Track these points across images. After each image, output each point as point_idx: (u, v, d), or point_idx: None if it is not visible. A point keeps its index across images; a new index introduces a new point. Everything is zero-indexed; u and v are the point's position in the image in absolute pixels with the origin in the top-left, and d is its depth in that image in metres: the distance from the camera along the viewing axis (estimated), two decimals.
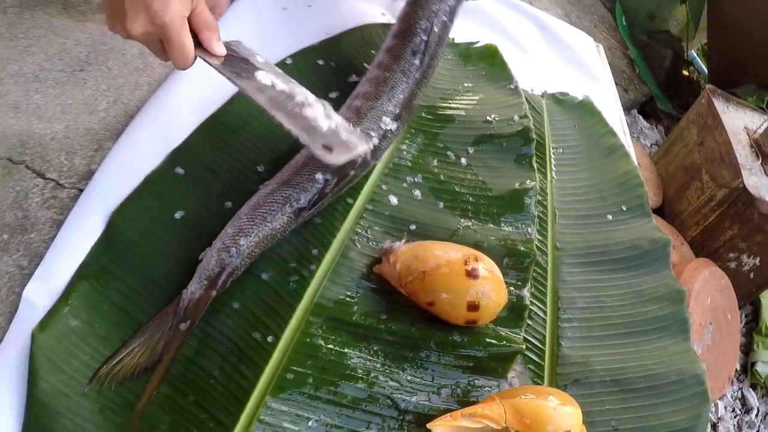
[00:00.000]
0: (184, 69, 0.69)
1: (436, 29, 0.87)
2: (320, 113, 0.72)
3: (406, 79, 0.84)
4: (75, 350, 0.66)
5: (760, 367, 1.34)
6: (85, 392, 0.65)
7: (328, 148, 0.68)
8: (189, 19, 0.66)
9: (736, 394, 1.33)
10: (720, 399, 1.24)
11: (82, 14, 0.99)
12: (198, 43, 0.69)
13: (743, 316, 1.45)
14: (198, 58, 0.69)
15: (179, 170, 0.80)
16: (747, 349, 1.40)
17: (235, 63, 0.72)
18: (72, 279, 0.70)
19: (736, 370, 1.35)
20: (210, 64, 0.70)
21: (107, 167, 0.81)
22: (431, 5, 0.88)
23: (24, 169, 0.82)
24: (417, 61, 0.85)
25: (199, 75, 0.91)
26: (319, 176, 0.75)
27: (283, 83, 0.73)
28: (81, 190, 0.80)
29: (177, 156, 0.81)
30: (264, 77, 0.72)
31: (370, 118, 0.80)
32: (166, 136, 0.83)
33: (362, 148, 0.72)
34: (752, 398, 1.33)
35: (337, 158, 0.69)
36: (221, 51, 0.69)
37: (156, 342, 0.66)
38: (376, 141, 0.80)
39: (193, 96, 0.89)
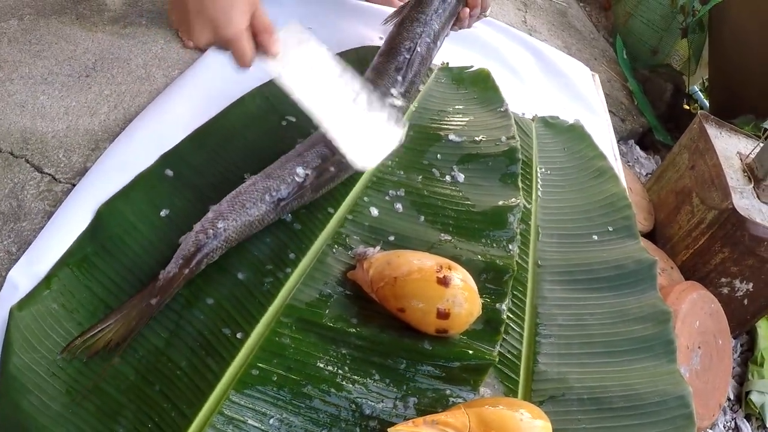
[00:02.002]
0: (245, 69, 0.78)
1: (419, 49, 0.92)
2: (362, 107, 0.79)
3: (389, 94, 0.88)
4: (50, 332, 0.68)
5: (754, 397, 1.29)
6: (59, 358, 0.66)
7: (362, 156, 0.76)
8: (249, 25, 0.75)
9: (729, 424, 1.29)
10: (711, 428, 1.21)
11: (94, 25, 1.04)
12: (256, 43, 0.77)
13: (739, 345, 1.41)
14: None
15: (169, 172, 0.83)
16: (743, 380, 1.37)
17: (290, 60, 0.79)
18: (55, 265, 0.73)
19: (730, 399, 1.32)
20: (268, 69, 0.78)
21: (101, 164, 0.84)
22: (416, 27, 0.94)
23: (23, 163, 0.85)
24: (400, 78, 0.89)
25: (196, 85, 0.96)
26: (300, 170, 0.77)
27: (333, 74, 0.79)
28: (75, 185, 0.83)
29: (168, 158, 0.84)
30: (314, 73, 0.78)
31: None
32: (159, 140, 0.87)
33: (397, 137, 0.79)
34: (746, 429, 1.28)
35: (369, 164, 0.77)
36: (278, 51, 0.77)
37: (130, 320, 0.68)
38: None
39: (190, 105, 0.93)
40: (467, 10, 1.01)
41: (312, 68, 0.78)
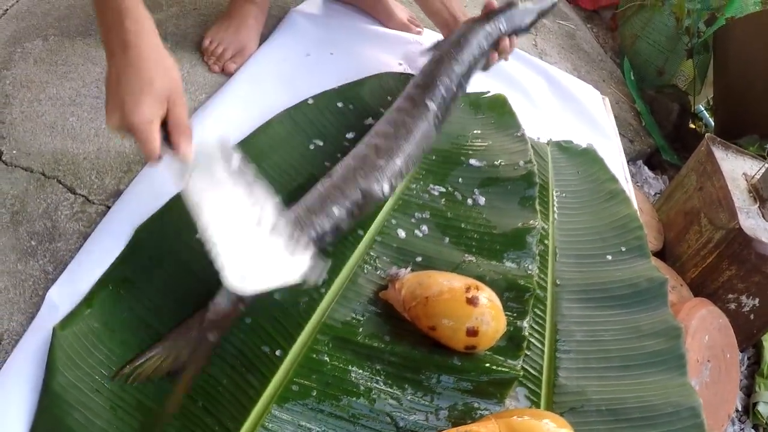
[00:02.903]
0: (152, 165, 0.72)
1: (453, 87, 0.97)
2: (264, 235, 0.71)
3: (421, 125, 0.92)
4: (92, 350, 0.70)
5: (762, 408, 1.34)
6: (107, 386, 0.68)
7: (243, 280, 0.67)
8: (165, 119, 0.70)
9: None
10: None
11: None
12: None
13: (745, 358, 1.45)
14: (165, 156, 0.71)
15: None
16: (750, 391, 1.41)
17: (202, 166, 0.72)
18: (95, 285, 0.75)
19: (738, 410, 1.36)
20: (170, 170, 0.71)
21: (136, 187, 0.87)
22: (453, 66, 0.98)
23: (56, 184, 0.87)
24: (433, 111, 0.93)
25: (224, 109, 0.99)
26: (341, 209, 0.80)
27: (244, 194, 0.73)
28: (109, 207, 0.85)
29: None
30: (223, 188, 0.72)
31: (388, 156, 0.87)
32: None
33: (289, 278, 0.70)
34: None
35: (250, 288, 0.67)
36: (187, 155, 0.71)
37: (180, 349, 0.70)
38: (394, 183, 0.86)
39: (219, 127, 0.95)
40: (496, 55, 1.06)
41: (221, 184, 0.72)
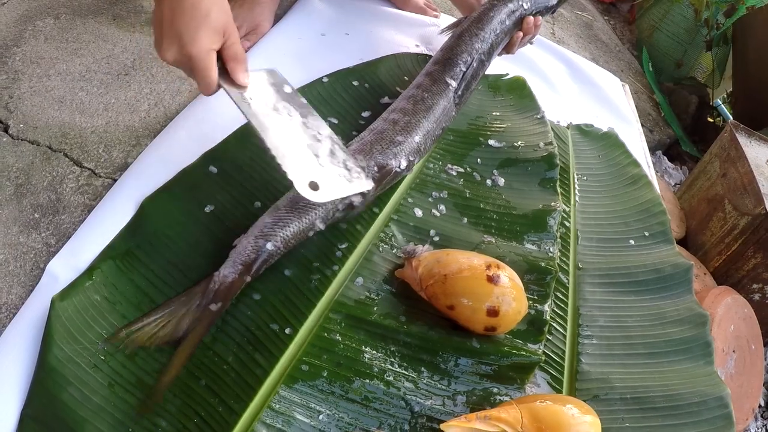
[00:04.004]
0: (208, 95, 0.73)
1: (474, 64, 0.95)
2: (325, 150, 0.73)
3: (441, 101, 0.89)
4: (92, 323, 0.67)
5: None
6: (101, 348, 0.65)
7: (314, 188, 0.68)
8: (220, 51, 0.71)
9: (760, 431, 1.29)
10: None
11: (131, 26, 1.04)
12: (226, 72, 0.73)
13: (766, 353, 1.41)
14: (222, 87, 0.72)
15: (213, 168, 0.82)
16: None
17: (258, 93, 0.74)
18: (98, 258, 0.72)
19: (761, 406, 1.32)
20: (230, 96, 0.73)
21: (144, 159, 0.84)
22: (474, 42, 0.96)
23: (62, 157, 0.85)
24: (453, 87, 0.91)
25: None
26: None
27: (300, 117, 0.75)
28: (115, 180, 0.83)
29: (212, 155, 0.84)
30: (280, 111, 0.74)
31: (406, 132, 0.84)
32: (203, 137, 0.86)
33: (357, 187, 0.72)
34: None
35: (322, 196, 0.68)
36: (245, 82, 0.73)
37: (180, 318, 0.66)
38: (411, 158, 0.83)
39: (231, 104, 0.92)
40: (521, 34, 1.03)
41: (279, 108, 0.74)
